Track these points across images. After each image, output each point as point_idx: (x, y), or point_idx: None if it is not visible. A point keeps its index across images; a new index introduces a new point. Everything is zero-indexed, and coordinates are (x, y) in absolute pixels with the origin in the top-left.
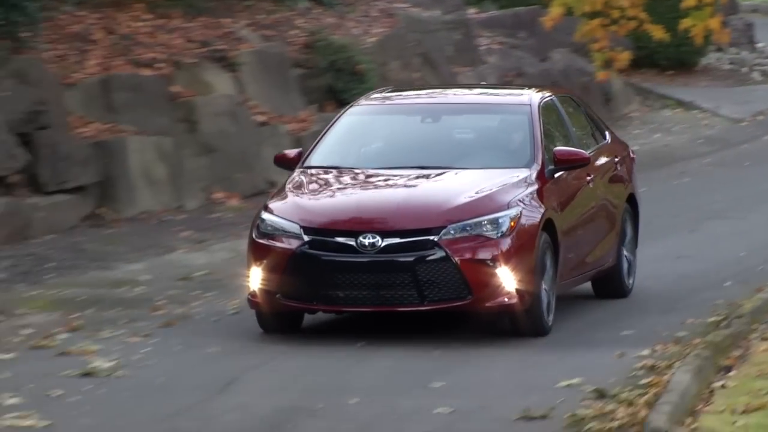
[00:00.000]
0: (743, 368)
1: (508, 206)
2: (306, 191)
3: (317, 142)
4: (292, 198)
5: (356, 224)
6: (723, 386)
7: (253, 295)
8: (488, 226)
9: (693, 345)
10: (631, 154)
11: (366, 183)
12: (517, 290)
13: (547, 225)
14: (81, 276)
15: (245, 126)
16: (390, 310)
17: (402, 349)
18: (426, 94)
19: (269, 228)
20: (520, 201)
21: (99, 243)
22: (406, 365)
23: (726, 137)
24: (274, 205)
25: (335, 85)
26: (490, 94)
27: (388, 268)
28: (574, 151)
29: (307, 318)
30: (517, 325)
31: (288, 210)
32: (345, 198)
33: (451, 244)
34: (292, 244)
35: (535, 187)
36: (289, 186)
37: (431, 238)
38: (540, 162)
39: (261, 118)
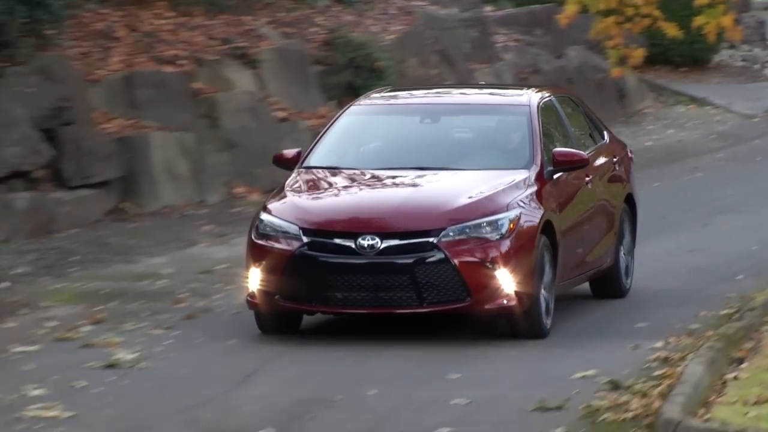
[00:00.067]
0: (755, 360)
1: (507, 208)
2: (305, 192)
3: (316, 143)
4: (291, 199)
5: (355, 226)
6: (735, 378)
7: (251, 296)
8: (487, 228)
9: (706, 337)
10: (629, 154)
11: (365, 184)
12: (516, 292)
13: (546, 226)
14: (104, 269)
15: (266, 122)
16: (388, 312)
17: (419, 343)
18: (425, 95)
19: (268, 229)
20: (519, 203)
21: (122, 237)
22: (424, 358)
23: (738, 133)
24: (272, 205)
25: (354, 81)
26: (489, 95)
27: (387, 270)
28: (573, 152)
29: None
30: (516, 327)
31: (287, 211)
32: (344, 199)
33: (450, 246)
34: (291, 245)
35: (534, 188)
36: (288, 186)
37: (430, 240)
38: (539, 163)
39: (281, 114)
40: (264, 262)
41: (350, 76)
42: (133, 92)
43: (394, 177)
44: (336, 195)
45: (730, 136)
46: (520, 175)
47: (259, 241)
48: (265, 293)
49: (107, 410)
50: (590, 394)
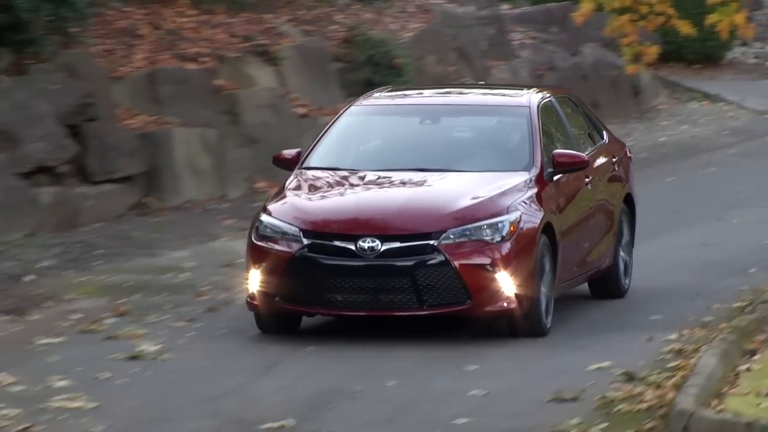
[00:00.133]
0: (767, 352)
1: (507, 210)
2: (305, 193)
3: (316, 143)
4: (291, 200)
5: (355, 228)
6: (748, 369)
7: (251, 297)
8: (488, 230)
9: (719, 329)
10: (628, 154)
11: (365, 185)
12: (517, 295)
13: (546, 228)
14: (128, 263)
15: (286, 118)
16: (388, 315)
17: (436, 336)
18: (425, 95)
19: (268, 230)
20: (519, 205)
21: (145, 231)
22: (442, 350)
23: (750, 129)
24: (272, 207)
25: (373, 78)
26: (490, 95)
27: (387, 273)
28: (573, 153)
29: None
30: (516, 328)
31: (287, 212)
32: (344, 201)
33: (450, 248)
34: (291, 247)
35: (534, 190)
36: (288, 187)
37: (431, 242)
38: (539, 165)
39: (301, 111)
40: (264, 264)
41: (369, 73)
42: (156, 89)
43: (394, 178)
44: (336, 196)
45: (742, 131)
46: (521, 177)
47: (259, 243)
48: (265, 295)
49: (130, 401)
50: (605, 386)
